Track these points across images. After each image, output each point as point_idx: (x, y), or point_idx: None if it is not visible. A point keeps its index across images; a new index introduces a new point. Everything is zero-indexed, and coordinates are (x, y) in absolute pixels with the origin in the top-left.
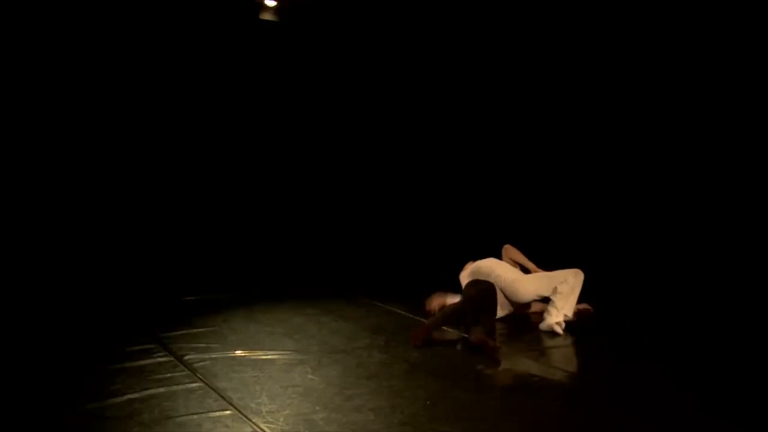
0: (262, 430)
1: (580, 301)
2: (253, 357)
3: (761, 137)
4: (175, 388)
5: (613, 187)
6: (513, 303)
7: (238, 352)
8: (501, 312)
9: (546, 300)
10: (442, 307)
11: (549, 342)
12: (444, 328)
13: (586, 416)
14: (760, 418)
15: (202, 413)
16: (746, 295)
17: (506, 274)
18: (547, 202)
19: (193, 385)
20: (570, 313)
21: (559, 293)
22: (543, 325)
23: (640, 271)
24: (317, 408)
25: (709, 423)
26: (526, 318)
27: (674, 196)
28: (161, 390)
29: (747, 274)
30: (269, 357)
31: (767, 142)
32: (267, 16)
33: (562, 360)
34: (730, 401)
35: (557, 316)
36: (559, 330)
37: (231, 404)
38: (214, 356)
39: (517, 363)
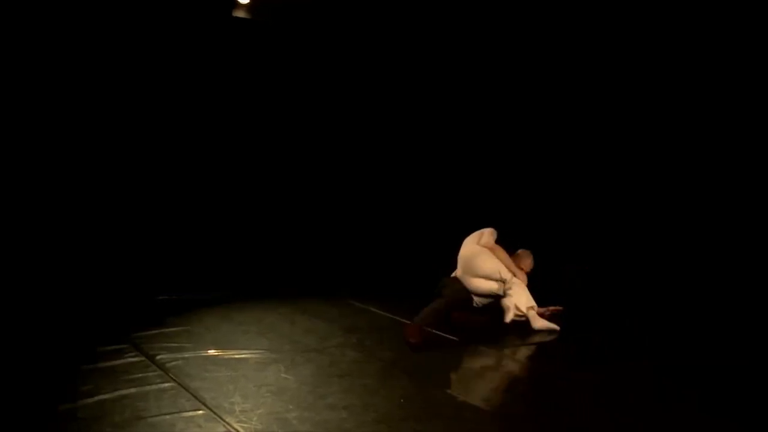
0: (235, 429)
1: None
2: (226, 356)
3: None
4: (147, 388)
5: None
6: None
7: (211, 352)
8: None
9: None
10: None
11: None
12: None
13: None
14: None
15: (174, 413)
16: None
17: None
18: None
19: (166, 385)
20: (525, 308)
21: (510, 295)
22: (536, 325)
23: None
24: (291, 407)
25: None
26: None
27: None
28: (133, 390)
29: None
30: (242, 356)
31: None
32: (240, 14)
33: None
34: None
35: (525, 306)
36: (539, 324)
37: (204, 404)
38: (186, 356)
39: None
